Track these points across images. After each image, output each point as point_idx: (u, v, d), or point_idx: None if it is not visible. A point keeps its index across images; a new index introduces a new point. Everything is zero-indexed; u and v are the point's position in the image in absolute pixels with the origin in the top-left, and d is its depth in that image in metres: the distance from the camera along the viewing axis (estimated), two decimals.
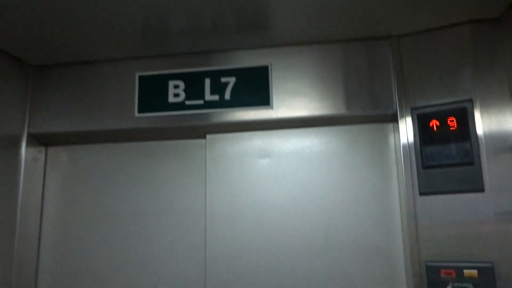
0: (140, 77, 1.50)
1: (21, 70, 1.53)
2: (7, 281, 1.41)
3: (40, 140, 1.60)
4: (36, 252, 1.57)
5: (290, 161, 1.47)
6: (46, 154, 1.65)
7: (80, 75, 1.55)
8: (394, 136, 1.42)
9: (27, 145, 1.53)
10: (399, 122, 1.31)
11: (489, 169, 1.17)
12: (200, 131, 1.52)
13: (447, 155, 1.23)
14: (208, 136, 1.54)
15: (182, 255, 1.51)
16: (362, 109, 1.36)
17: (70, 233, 1.59)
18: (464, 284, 1.16)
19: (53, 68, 1.56)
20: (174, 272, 1.50)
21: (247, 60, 1.46)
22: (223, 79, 1.45)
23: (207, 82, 1.46)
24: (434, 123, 1.26)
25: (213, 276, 1.44)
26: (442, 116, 1.25)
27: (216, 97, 1.45)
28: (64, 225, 1.60)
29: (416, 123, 1.28)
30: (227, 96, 1.44)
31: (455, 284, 1.17)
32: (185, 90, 1.47)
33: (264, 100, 1.42)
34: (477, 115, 1.21)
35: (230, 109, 1.43)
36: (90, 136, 1.57)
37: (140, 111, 1.48)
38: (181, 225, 1.53)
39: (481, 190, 1.18)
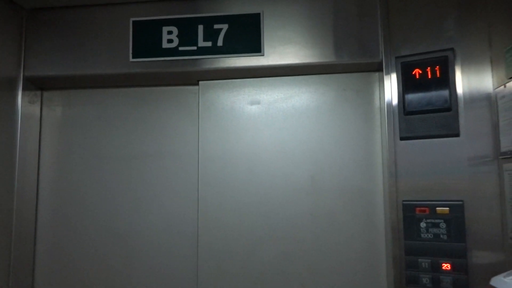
0: (134, 22, 1.52)
1: (15, 12, 1.53)
2: (9, 214, 1.49)
3: (35, 83, 1.62)
4: (35, 189, 1.64)
5: (280, 108, 1.53)
6: (42, 98, 1.68)
7: (75, 19, 1.56)
8: (379, 85, 1.48)
9: (24, 88, 1.56)
10: (384, 70, 1.37)
11: (466, 115, 1.24)
12: (193, 77, 1.57)
13: (427, 102, 1.30)
14: (200, 83, 1.58)
15: (176, 197, 1.59)
16: (349, 57, 1.42)
17: (66, 174, 1.65)
18: (436, 220, 1.26)
19: (48, 12, 1.57)
20: (167, 212, 1.59)
21: (240, 7, 1.49)
22: (216, 26, 1.48)
23: (200, 28, 1.49)
24: (417, 71, 1.32)
25: (205, 215, 1.53)
26: (424, 65, 1.31)
27: (209, 44, 1.48)
28: (61, 166, 1.66)
29: (400, 72, 1.34)
30: (220, 42, 1.48)
31: (428, 220, 1.27)
32: (178, 36, 1.50)
33: (255, 48, 1.46)
34: (457, 64, 1.27)
35: (222, 56, 1.47)
36: (85, 81, 1.60)
37: (134, 56, 1.51)
38: (175, 168, 1.61)
39: (457, 135, 1.26)
